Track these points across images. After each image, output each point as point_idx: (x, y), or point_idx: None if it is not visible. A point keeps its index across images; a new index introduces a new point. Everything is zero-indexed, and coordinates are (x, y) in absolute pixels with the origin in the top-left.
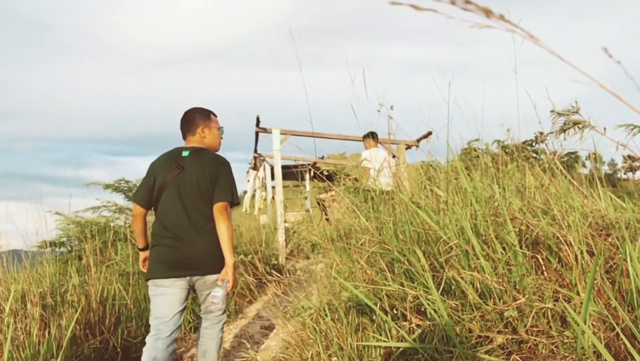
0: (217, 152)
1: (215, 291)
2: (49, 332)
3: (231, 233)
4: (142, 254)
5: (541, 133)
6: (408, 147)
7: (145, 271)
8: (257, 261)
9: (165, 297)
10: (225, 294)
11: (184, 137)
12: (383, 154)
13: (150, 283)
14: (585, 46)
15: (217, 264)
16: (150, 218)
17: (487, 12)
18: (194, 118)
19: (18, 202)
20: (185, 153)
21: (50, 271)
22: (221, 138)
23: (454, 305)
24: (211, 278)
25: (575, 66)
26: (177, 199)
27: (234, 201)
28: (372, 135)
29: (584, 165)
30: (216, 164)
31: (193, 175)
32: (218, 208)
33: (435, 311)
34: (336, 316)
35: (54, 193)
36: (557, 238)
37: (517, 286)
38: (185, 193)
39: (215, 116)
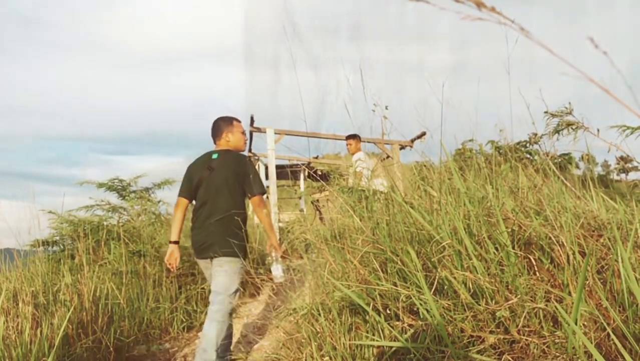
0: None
1: (274, 269)
2: (41, 331)
3: (270, 218)
4: (171, 247)
5: (535, 134)
6: (402, 147)
7: (167, 265)
8: (250, 261)
9: (206, 273)
10: (281, 265)
11: (214, 142)
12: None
13: None
14: (582, 46)
15: (229, 248)
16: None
17: (479, 4)
18: (219, 126)
19: (11, 200)
20: (214, 156)
21: (43, 270)
22: (246, 140)
23: (446, 305)
24: (224, 259)
25: (565, 59)
26: (208, 195)
27: (263, 191)
28: (359, 137)
29: (577, 166)
30: (239, 161)
31: (221, 174)
32: (255, 201)
33: (427, 311)
34: (329, 316)
35: (47, 192)
36: (550, 238)
37: (509, 286)
38: (215, 190)
39: (239, 121)
